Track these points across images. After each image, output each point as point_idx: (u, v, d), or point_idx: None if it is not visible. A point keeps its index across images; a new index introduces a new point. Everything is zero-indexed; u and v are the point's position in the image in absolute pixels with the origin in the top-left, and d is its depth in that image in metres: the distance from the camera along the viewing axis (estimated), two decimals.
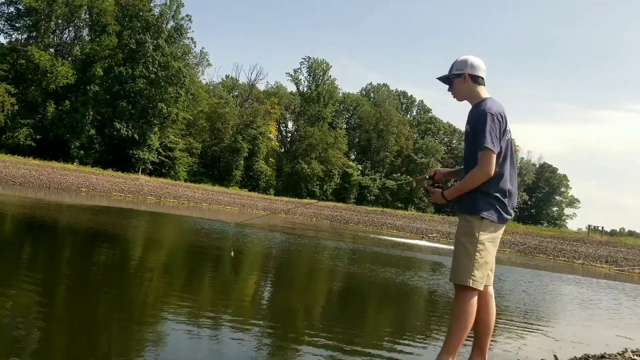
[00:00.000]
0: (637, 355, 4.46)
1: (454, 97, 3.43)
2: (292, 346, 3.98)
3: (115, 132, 46.42)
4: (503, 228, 3.27)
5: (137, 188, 29.43)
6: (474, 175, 3.13)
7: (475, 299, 3.15)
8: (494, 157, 3.08)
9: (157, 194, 28.33)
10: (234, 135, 57.64)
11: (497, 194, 3.16)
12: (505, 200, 3.18)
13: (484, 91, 3.32)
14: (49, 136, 43.39)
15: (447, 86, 3.46)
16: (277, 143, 69.06)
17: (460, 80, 3.33)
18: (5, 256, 6.31)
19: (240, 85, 69.01)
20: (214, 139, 58.25)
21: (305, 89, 69.82)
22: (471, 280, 3.11)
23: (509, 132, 3.24)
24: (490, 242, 3.17)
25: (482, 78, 3.34)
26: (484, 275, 3.15)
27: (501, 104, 3.29)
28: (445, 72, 3.43)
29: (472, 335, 3.34)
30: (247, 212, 27.99)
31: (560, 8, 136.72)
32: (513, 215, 3.30)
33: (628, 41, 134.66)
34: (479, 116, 3.16)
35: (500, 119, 3.15)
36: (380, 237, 22.06)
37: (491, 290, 3.35)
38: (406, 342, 4.51)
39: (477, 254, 3.12)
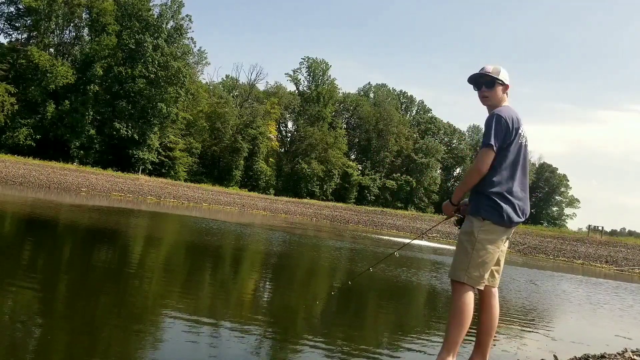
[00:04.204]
0: (637, 355, 4.46)
1: (485, 98, 3.42)
2: (292, 346, 3.97)
3: (115, 132, 46.41)
4: (508, 231, 3.29)
5: (137, 188, 29.42)
6: (468, 171, 3.28)
7: (472, 296, 3.20)
8: (490, 155, 3.16)
9: (157, 194, 28.33)
10: (234, 135, 57.65)
11: (501, 197, 3.19)
12: (510, 204, 3.20)
13: (507, 101, 3.45)
14: (48, 136, 43.39)
15: (474, 84, 3.48)
16: (277, 143, 69.06)
17: (503, 88, 3.41)
18: (5, 256, 6.31)
19: (240, 85, 69.03)
20: (214, 139, 58.25)
21: (305, 89, 69.83)
22: (466, 277, 3.19)
23: (522, 137, 3.29)
24: (490, 243, 3.20)
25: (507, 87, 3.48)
26: (481, 275, 3.20)
27: (516, 111, 3.35)
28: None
29: (474, 334, 3.35)
30: (247, 212, 27.99)
31: (561, 8, 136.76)
32: (521, 220, 3.27)
33: (628, 41, 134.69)
34: (487, 118, 3.27)
35: (508, 122, 3.21)
36: (380, 237, 22.06)
37: (495, 291, 3.40)
38: (407, 341, 4.51)
39: (474, 252, 3.19)
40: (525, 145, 3.32)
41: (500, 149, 3.19)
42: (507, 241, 3.45)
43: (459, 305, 3.16)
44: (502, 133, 3.18)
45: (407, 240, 21.07)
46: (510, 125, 3.21)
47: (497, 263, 3.40)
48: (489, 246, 3.20)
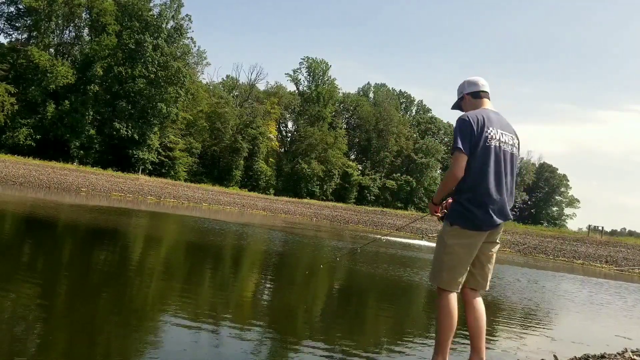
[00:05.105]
0: (637, 355, 4.46)
1: None
2: (292, 346, 3.97)
3: (115, 132, 46.39)
4: (483, 236, 3.26)
5: (137, 188, 29.42)
6: (444, 176, 3.29)
7: (451, 299, 3.24)
8: (462, 158, 3.15)
9: (157, 194, 28.33)
10: (234, 135, 57.63)
11: (471, 202, 3.19)
12: (482, 209, 3.18)
13: (486, 104, 3.42)
14: (48, 136, 43.36)
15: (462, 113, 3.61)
16: (277, 143, 69.04)
17: (464, 101, 3.50)
18: (5, 256, 6.31)
19: (240, 85, 68.98)
20: (214, 139, 58.21)
21: (305, 89, 69.82)
22: (439, 280, 3.27)
23: (492, 139, 3.22)
24: (461, 247, 3.22)
25: (484, 92, 3.44)
26: (452, 278, 3.23)
27: (489, 112, 3.32)
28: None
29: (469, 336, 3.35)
30: (247, 212, 27.99)
31: (561, 8, 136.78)
32: (496, 223, 3.22)
33: (628, 41, 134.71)
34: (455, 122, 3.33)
35: (474, 122, 3.21)
36: (380, 236, 22.01)
37: (476, 293, 3.40)
38: (406, 341, 4.51)
39: (444, 256, 3.26)
40: (498, 147, 3.23)
41: (471, 152, 3.17)
42: (495, 245, 3.40)
43: (441, 309, 3.24)
44: (468, 134, 3.18)
45: (407, 238, 21.14)
46: (475, 126, 3.19)
47: (481, 267, 3.36)
48: (460, 250, 3.22)
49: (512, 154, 3.33)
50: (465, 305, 3.39)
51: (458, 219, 3.22)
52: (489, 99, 3.45)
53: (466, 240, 3.22)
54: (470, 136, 3.17)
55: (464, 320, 3.46)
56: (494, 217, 3.20)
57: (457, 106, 3.59)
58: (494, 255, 3.41)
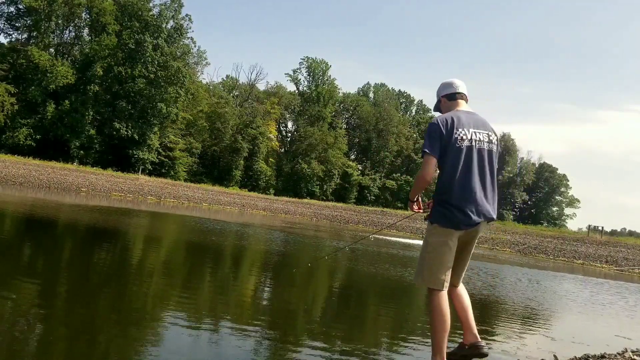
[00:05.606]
0: (637, 355, 4.46)
1: None
2: (292, 346, 3.97)
3: (115, 132, 46.38)
4: (458, 233, 3.30)
5: (137, 188, 29.42)
6: (415, 178, 3.42)
7: (440, 297, 3.28)
8: (430, 160, 3.23)
9: (157, 194, 28.33)
10: (233, 135, 57.63)
11: (445, 202, 3.28)
12: (456, 208, 3.23)
13: (461, 105, 3.48)
14: (48, 136, 43.35)
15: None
16: (277, 143, 69.05)
17: (441, 104, 3.58)
18: (5, 256, 6.30)
19: (240, 85, 68.98)
20: (214, 139, 58.22)
21: (305, 89, 69.83)
22: (420, 279, 3.36)
23: (463, 139, 3.26)
24: (441, 245, 3.29)
25: (459, 93, 3.50)
26: (435, 276, 3.28)
27: (460, 114, 3.36)
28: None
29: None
30: (247, 212, 27.99)
31: (561, 8, 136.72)
32: (473, 222, 3.24)
33: (628, 41, 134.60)
34: None
35: (442, 125, 3.27)
36: (380, 236, 22.04)
37: (460, 286, 3.52)
38: (406, 342, 4.51)
39: (426, 254, 3.36)
40: (470, 147, 3.26)
41: (442, 154, 3.24)
42: (472, 244, 3.48)
43: (432, 309, 3.28)
44: (437, 137, 3.25)
45: (407, 239, 21.14)
46: (444, 129, 3.26)
47: (457, 265, 3.42)
48: (440, 248, 3.30)
49: (489, 151, 3.35)
50: (449, 294, 3.44)
51: (439, 218, 3.31)
52: (465, 99, 3.52)
53: (445, 238, 3.29)
54: (440, 139, 3.24)
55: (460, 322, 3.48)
56: (473, 216, 3.24)
57: (437, 108, 3.66)
58: (470, 254, 3.52)
